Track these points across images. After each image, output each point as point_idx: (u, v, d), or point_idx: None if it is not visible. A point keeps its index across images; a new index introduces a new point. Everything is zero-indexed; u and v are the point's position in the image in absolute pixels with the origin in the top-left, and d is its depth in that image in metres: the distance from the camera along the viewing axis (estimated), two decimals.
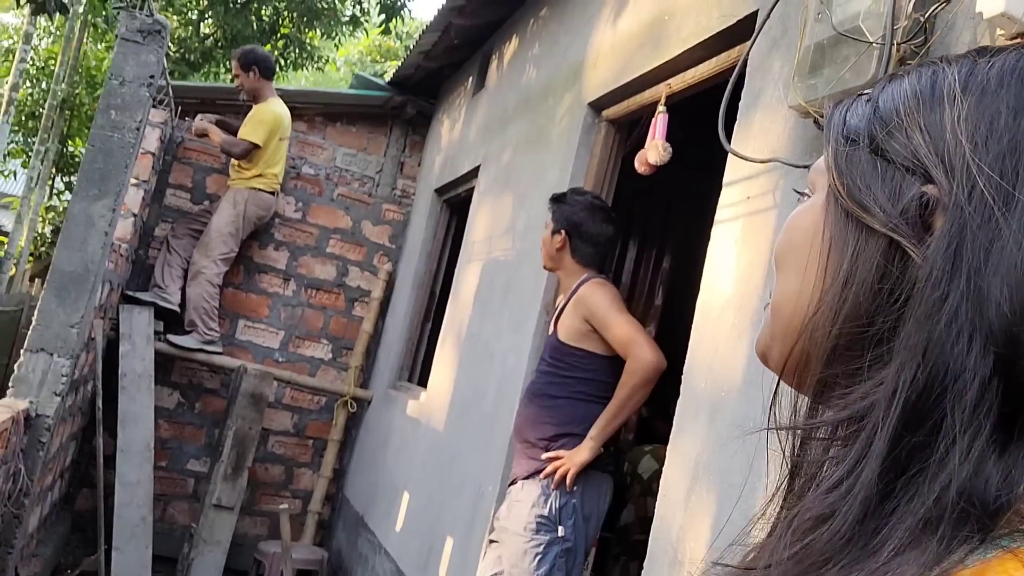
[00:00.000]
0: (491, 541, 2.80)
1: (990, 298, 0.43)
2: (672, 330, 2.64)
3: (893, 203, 0.49)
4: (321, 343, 5.53)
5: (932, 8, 1.55)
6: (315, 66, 11.52)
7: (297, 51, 10.25)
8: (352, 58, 18.24)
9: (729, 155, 2.16)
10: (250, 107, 5.09)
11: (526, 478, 2.66)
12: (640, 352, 2.55)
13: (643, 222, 3.79)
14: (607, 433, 2.61)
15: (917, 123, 0.51)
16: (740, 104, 2.18)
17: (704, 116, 2.91)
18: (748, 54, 2.11)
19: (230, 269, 5.12)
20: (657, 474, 3.56)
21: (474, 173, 4.48)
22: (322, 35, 10.35)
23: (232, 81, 5.21)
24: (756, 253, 1.95)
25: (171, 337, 4.86)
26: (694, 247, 4.13)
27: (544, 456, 2.63)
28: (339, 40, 11.12)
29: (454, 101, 5.34)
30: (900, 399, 0.43)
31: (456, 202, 5.10)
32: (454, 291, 4.27)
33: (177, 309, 4.91)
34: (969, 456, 0.41)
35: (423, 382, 4.90)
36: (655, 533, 2.06)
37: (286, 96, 5.27)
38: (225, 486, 4.64)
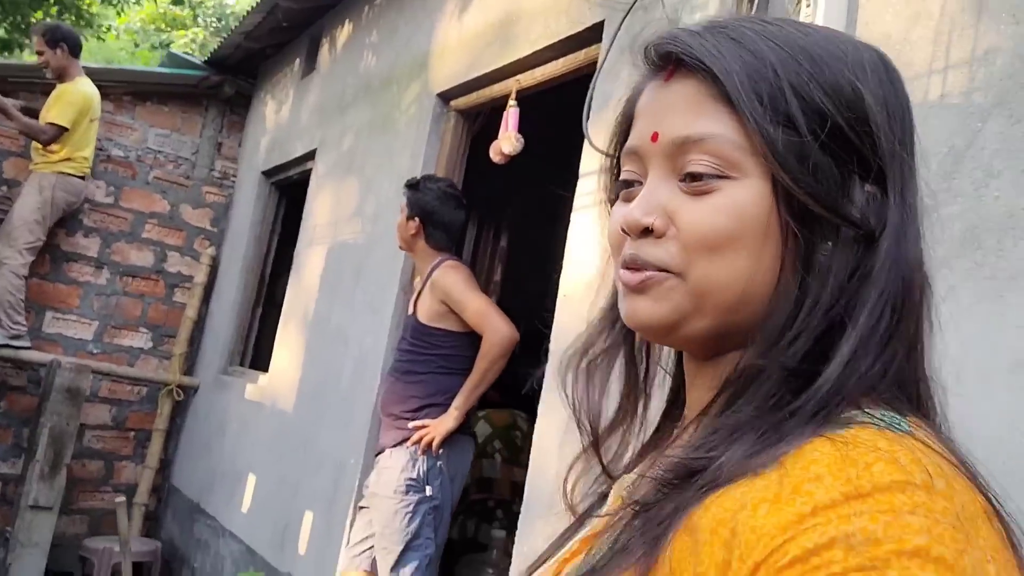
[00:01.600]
0: (361, 508, 2.97)
1: (910, 275, 0.56)
2: (509, 303, 2.90)
3: (857, 207, 0.56)
4: (140, 332, 5.31)
5: None
6: (93, 34, 10.76)
7: (74, 17, 9.55)
8: (133, 26, 17.00)
9: (584, 148, 2.45)
10: (52, 86, 4.77)
11: (394, 447, 2.85)
12: (495, 328, 2.79)
13: (482, 203, 4.03)
14: (470, 403, 2.85)
15: (857, 115, 0.56)
16: (593, 105, 2.47)
17: (546, 110, 3.20)
18: (601, 63, 2.41)
19: (36, 259, 4.79)
20: (490, 437, 3.87)
21: (309, 156, 4.51)
22: (101, 0, 9.70)
23: (37, 58, 4.84)
24: None
25: None
26: (529, 228, 4.45)
27: (411, 425, 2.82)
28: (121, 7, 10.44)
29: (279, 82, 5.30)
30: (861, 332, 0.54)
31: (286, 185, 5.08)
32: (295, 275, 4.31)
33: None
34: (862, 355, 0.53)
35: (258, 366, 4.89)
36: (531, 484, 2.32)
37: (91, 74, 4.97)
38: (42, 486, 4.40)
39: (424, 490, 2.78)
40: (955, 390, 1.30)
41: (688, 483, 0.52)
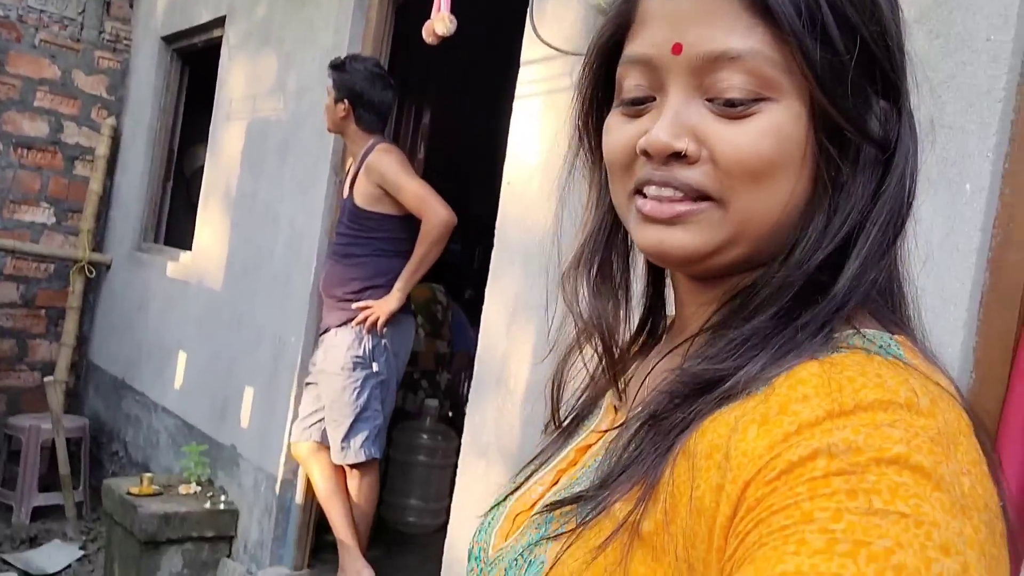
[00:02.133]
0: (307, 383, 3.11)
1: (912, 189, 0.57)
2: (434, 183, 2.98)
3: (880, 126, 0.56)
4: (41, 207, 5.10)
5: None
6: None
7: None
8: None
9: (526, 37, 2.50)
10: None
11: (339, 326, 2.97)
12: (433, 211, 2.89)
13: (403, 79, 3.99)
14: (411, 284, 2.98)
15: (879, 28, 0.55)
16: None
17: None
18: None
19: None
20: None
21: (218, 24, 4.31)
22: None
23: None
24: (557, 127, 2.35)
25: None
26: (452, 105, 4.45)
27: (355, 306, 2.94)
28: None
29: None
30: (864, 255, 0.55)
31: (191, 53, 4.85)
32: (212, 150, 4.21)
33: None
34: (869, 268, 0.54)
35: (174, 243, 4.82)
36: (480, 361, 2.50)
37: None
38: None
39: (371, 366, 2.94)
40: None
41: (702, 395, 0.52)
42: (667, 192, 0.55)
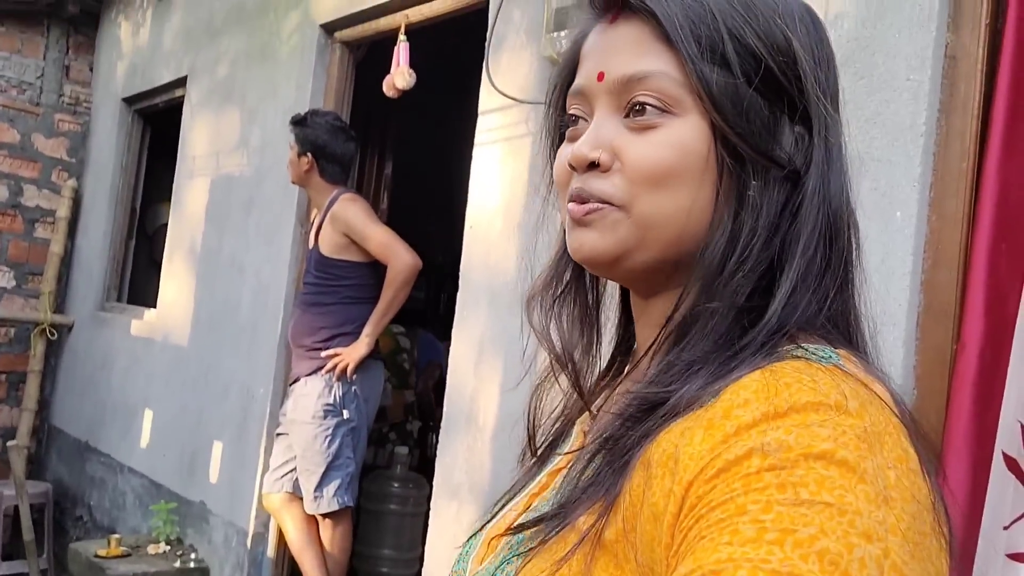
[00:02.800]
0: (278, 434, 3.11)
1: (837, 213, 0.61)
2: (399, 231, 3.06)
3: (785, 147, 0.60)
4: (1, 270, 5.07)
5: None
6: None
7: None
8: None
9: (483, 88, 2.60)
10: None
11: (309, 375, 2.99)
12: (399, 257, 2.95)
13: (364, 130, 4.09)
14: (379, 329, 3.02)
15: (787, 59, 0.59)
16: (489, 46, 2.61)
17: (429, 44, 3.28)
18: (493, 5, 2.55)
19: None
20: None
21: (179, 84, 4.38)
22: None
23: None
24: (517, 172, 2.45)
25: None
26: (411, 156, 4.55)
27: (324, 354, 2.97)
28: None
29: (132, 2, 5.02)
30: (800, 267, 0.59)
31: (152, 113, 4.91)
32: (176, 207, 4.24)
33: None
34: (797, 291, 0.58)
35: (138, 301, 4.81)
36: (449, 400, 2.55)
37: None
38: None
39: (341, 414, 2.95)
40: None
41: (649, 415, 0.56)
42: (583, 197, 0.62)
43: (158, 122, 4.97)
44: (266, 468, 3.17)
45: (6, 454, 4.78)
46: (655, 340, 0.62)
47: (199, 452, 3.66)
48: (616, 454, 0.56)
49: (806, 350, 0.55)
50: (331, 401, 2.95)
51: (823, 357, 0.54)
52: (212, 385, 3.67)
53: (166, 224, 4.44)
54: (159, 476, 3.93)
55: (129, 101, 4.92)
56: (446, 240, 3.50)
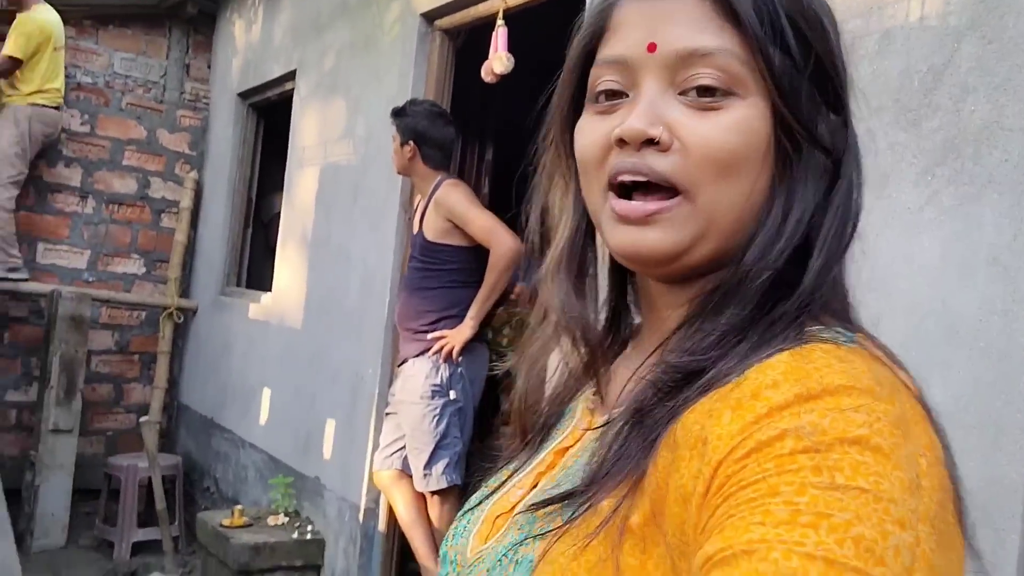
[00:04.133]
0: (387, 413, 3.22)
1: (859, 198, 0.62)
2: (501, 216, 3.10)
3: (829, 136, 0.60)
4: (132, 258, 5.42)
5: None
6: None
7: None
8: None
9: None
10: (14, 16, 4.70)
11: (416, 357, 3.08)
12: (501, 241, 2.98)
13: (463, 118, 4.16)
14: (482, 312, 3.08)
15: (828, 47, 0.60)
16: None
17: (528, 29, 3.30)
18: None
19: (20, 192, 4.84)
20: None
21: (289, 78, 4.56)
22: None
23: None
24: None
25: None
26: (512, 141, 4.58)
27: (430, 336, 3.05)
28: None
29: (245, 1, 5.25)
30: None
31: (265, 106, 5.13)
32: (288, 196, 4.43)
33: None
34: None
35: (255, 286, 5.06)
36: None
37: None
38: (59, 411, 4.61)
39: (448, 394, 3.02)
40: (940, 280, 1.56)
41: (685, 386, 0.55)
42: (640, 178, 0.58)
43: (270, 115, 5.20)
44: (376, 446, 3.29)
45: (140, 429, 5.15)
46: (688, 316, 0.60)
47: (313, 430, 3.83)
48: (646, 427, 0.55)
49: (831, 331, 0.54)
50: (438, 382, 3.02)
51: (848, 340, 0.54)
52: (324, 367, 3.82)
53: (279, 213, 4.64)
54: (277, 452, 4.13)
55: (243, 96, 5.15)
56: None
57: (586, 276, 0.69)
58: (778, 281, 0.56)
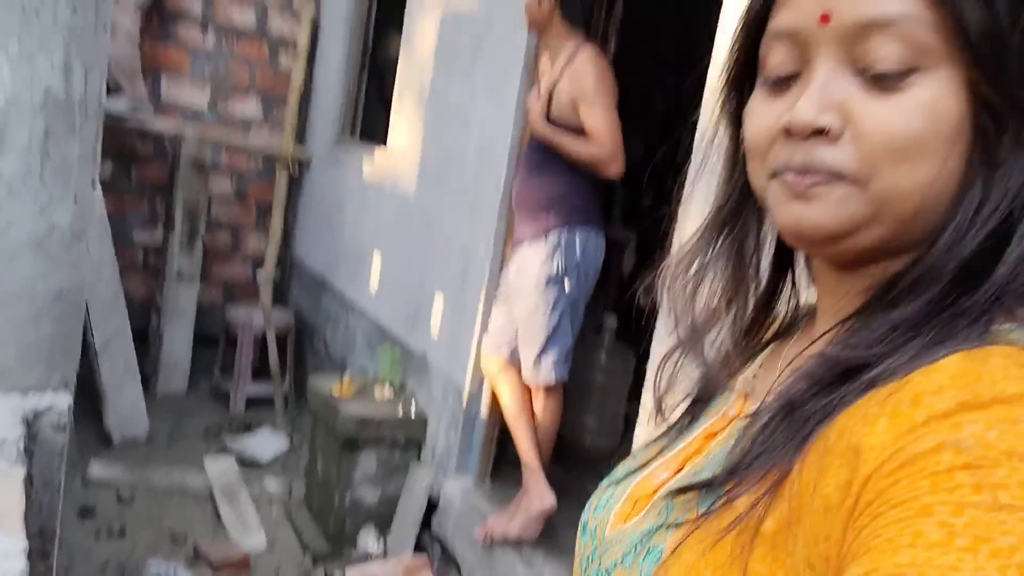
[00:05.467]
0: (499, 298, 3.02)
1: None
2: (624, 82, 2.75)
3: None
4: (250, 99, 5.24)
5: None
6: None
7: None
8: None
9: None
10: None
11: (532, 240, 2.82)
12: (609, 151, 2.67)
13: None
14: (548, 135, 2.77)
15: None
16: None
17: None
18: None
19: (144, 21, 4.68)
20: None
21: None
22: None
23: None
24: None
25: None
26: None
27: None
28: None
29: None
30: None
31: None
32: (406, 45, 4.06)
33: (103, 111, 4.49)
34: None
35: (369, 138, 4.81)
36: None
37: None
38: (183, 256, 4.63)
39: (563, 285, 2.81)
40: None
41: (844, 383, 0.50)
42: (808, 180, 0.52)
43: None
44: (484, 329, 3.11)
45: (256, 280, 5.15)
46: (864, 304, 0.55)
47: (422, 304, 3.65)
48: (795, 423, 0.51)
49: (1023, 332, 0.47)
50: (554, 272, 2.81)
51: None
52: (435, 238, 3.59)
53: (397, 60, 4.28)
54: (385, 321, 4.01)
55: None
56: (678, 87, 3.02)
57: (728, 262, 0.65)
58: (967, 272, 0.50)
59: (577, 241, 2.80)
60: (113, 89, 4.50)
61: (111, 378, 4.07)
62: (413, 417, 3.49)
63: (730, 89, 0.63)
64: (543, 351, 2.84)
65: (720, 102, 0.64)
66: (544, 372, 2.85)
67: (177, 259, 4.58)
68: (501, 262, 3.14)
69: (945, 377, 0.45)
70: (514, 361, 2.95)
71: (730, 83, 0.63)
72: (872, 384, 0.48)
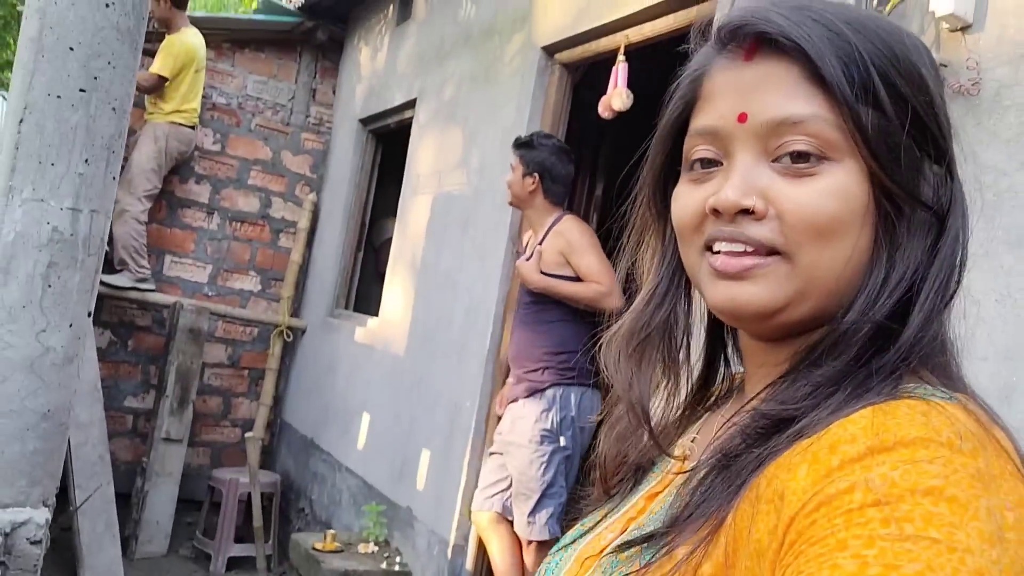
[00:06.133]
0: (491, 453, 3.12)
1: (964, 252, 0.60)
2: (608, 253, 2.98)
3: (932, 190, 0.59)
4: (249, 275, 5.59)
5: (891, 4, 1.91)
6: None
7: None
8: None
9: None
10: (163, 36, 4.97)
11: (527, 398, 2.96)
12: (603, 286, 2.84)
13: (576, 153, 4.09)
14: (549, 288, 2.93)
15: (927, 98, 0.58)
16: None
17: (645, 64, 3.20)
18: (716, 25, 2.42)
19: (153, 205, 5.08)
20: None
21: (409, 106, 4.61)
22: None
23: None
24: None
25: (103, 277, 4.80)
26: (623, 178, 4.49)
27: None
28: None
29: (373, 28, 5.37)
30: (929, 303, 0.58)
31: (384, 133, 5.21)
32: (400, 222, 4.46)
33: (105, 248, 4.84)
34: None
35: (362, 310, 5.11)
36: None
37: (193, 23, 5.14)
38: (172, 420, 4.76)
39: (558, 440, 2.89)
40: None
41: (774, 434, 0.54)
42: (737, 247, 0.58)
43: (389, 142, 5.28)
44: (469, 482, 3.21)
45: (244, 444, 5.27)
46: (789, 369, 0.60)
47: (409, 459, 3.79)
48: (731, 474, 0.55)
49: (926, 388, 0.53)
50: (549, 427, 2.90)
51: (944, 396, 0.52)
52: (423, 395, 3.79)
53: (391, 238, 4.68)
54: (372, 478, 4.12)
55: (365, 122, 5.25)
56: None
57: (659, 340, 0.69)
58: (878, 335, 0.56)
59: (572, 397, 2.93)
60: (117, 266, 4.84)
61: (90, 538, 4.08)
62: (397, 569, 3.53)
63: (656, 183, 0.70)
64: (538, 507, 2.88)
65: (647, 197, 0.71)
66: (538, 529, 2.88)
67: (166, 422, 4.72)
68: (487, 415, 3.32)
69: (858, 428, 0.49)
70: (506, 515, 2.98)
71: (656, 177, 0.70)
72: (799, 435, 0.52)
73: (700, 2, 2.71)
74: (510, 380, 3.09)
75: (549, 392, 2.92)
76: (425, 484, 3.64)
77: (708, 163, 0.61)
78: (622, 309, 0.73)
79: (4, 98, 4.99)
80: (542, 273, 2.99)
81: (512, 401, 3.01)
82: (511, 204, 3.19)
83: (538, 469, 2.87)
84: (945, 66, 1.80)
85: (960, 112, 1.76)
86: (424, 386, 3.81)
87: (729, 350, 0.75)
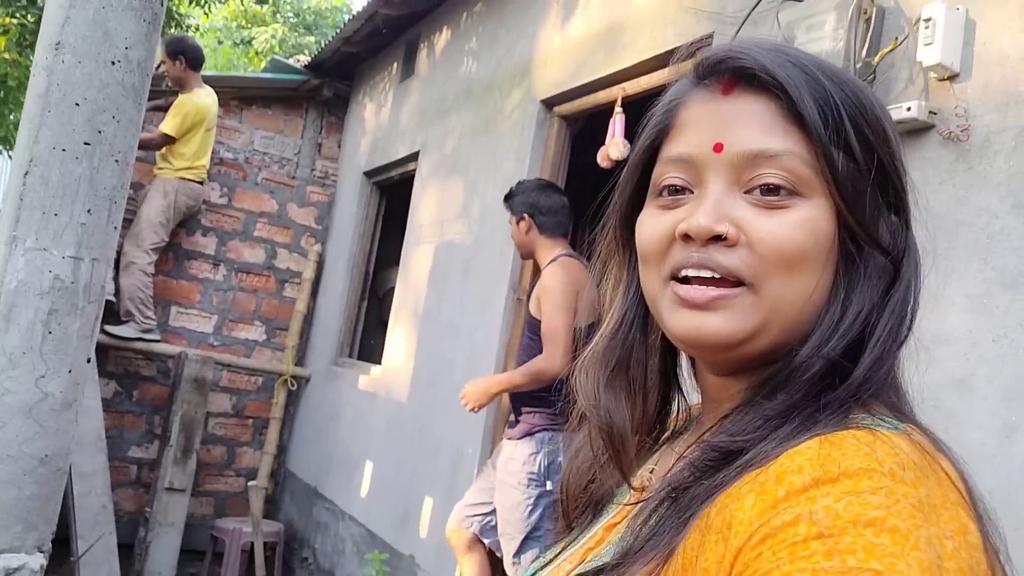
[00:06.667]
0: (481, 472, 3.15)
1: (916, 298, 0.63)
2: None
3: (891, 237, 0.62)
4: (254, 325, 5.65)
5: (880, 54, 2.00)
6: (181, 31, 11.21)
7: (164, 18, 9.97)
8: (216, 24, 17.63)
9: None
10: (176, 93, 5.11)
11: (519, 439, 3.01)
12: (550, 355, 2.84)
13: (575, 204, 4.18)
14: (503, 388, 2.95)
15: (890, 150, 0.62)
16: None
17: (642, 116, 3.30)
18: None
19: (159, 257, 5.17)
20: None
21: (412, 158, 4.73)
22: (190, 2, 10.15)
23: (158, 68, 5.19)
24: None
25: (108, 328, 4.88)
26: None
27: (461, 394, 2.97)
28: (208, 6, 10.87)
29: (377, 85, 5.52)
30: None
31: (387, 185, 5.32)
32: (403, 272, 4.54)
33: (112, 299, 4.93)
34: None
35: (366, 358, 5.16)
36: None
37: (205, 81, 5.29)
38: (176, 469, 4.77)
39: (545, 484, 2.93)
40: None
41: (721, 467, 0.55)
42: (705, 273, 0.59)
43: (392, 193, 5.39)
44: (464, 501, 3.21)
45: (247, 494, 5.26)
46: (741, 403, 0.60)
47: (411, 507, 3.80)
48: (680, 505, 0.56)
49: (874, 419, 0.54)
50: (535, 470, 2.93)
51: (891, 427, 0.54)
52: (426, 442, 3.82)
53: (394, 287, 4.75)
54: (375, 526, 4.12)
55: (369, 174, 5.37)
56: None
57: (626, 370, 0.70)
58: (830, 373, 0.57)
59: (562, 442, 2.94)
60: (123, 317, 4.91)
61: None
62: None
63: (624, 211, 0.70)
64: (522, 548, 2.90)
65: (613, 224, 0.71)
66: (522, 568, 2.89)
67: (170, 472, 4.73)
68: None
69: (804, 459, 0.50)
70: (482, 539, 3.02)
71: (624, 205, 0.70)
72: (748, 466, 0.53)
73: (694, 56, 2.81)
74: (511, 418, 3.14)
75: (539, 435, 2.95)
76: (428, 532, 3.64)
77: (677, 190, 0.62)
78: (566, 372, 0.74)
79: (10, 157, 5.16)
80: (533, 318, 3.02)
81: (509, 438, 3.05)
82: (523, 257, 3.22)
83: (524, 511, 2.90)
84: (935, 113, 1.88)
85: (951, 157, 1.83)
86: (426, 433, 3.84)
87: (684, 382, 0.75)
